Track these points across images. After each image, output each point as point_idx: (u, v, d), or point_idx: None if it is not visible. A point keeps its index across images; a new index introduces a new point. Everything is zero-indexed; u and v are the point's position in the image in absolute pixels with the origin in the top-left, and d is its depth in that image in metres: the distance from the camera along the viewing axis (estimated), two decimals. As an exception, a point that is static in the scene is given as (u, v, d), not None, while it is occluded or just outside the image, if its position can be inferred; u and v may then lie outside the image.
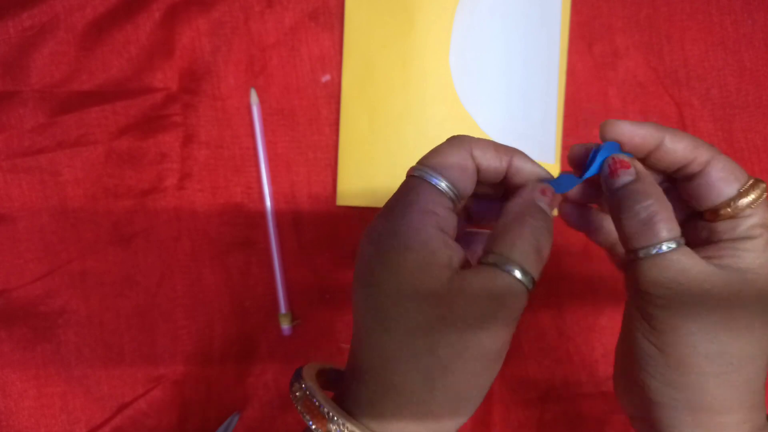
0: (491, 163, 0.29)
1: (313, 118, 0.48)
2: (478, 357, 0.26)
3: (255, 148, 0.48)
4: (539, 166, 0.31)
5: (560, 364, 0.48)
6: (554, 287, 0.48)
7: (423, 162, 0.29)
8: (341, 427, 0.27)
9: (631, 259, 0.28)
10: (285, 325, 0.47)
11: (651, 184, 0.29)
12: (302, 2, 0.48)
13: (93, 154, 0.47)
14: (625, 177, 0.29)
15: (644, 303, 0.28)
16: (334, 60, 0.48)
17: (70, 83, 0.47)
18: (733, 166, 0.29)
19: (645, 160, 0.31)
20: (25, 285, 0.46)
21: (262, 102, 0.48)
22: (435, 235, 0.27)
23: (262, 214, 0.48)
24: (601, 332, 0.48)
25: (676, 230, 0.28)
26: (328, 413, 0.27)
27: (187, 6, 0.48)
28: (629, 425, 0.33)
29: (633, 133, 0.30)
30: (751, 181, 0.29)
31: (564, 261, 0.48)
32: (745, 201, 0.29)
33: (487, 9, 0.47)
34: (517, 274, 0.26)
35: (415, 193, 0.28)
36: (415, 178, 0.29)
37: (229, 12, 0.48)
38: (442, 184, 0.28)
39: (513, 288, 0.26)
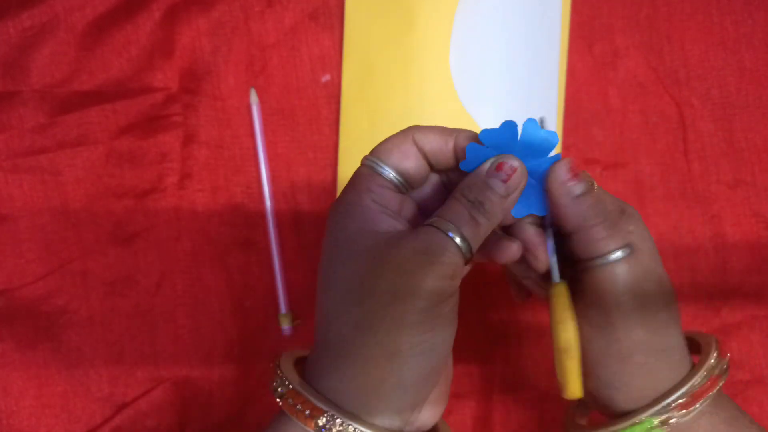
0: (434, 144, 0.31)
1: (313, 118, 0.48)
2: (410, 308, 0.27)
3: (255, 148, 0.48)
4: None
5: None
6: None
7: (371, 152, 0.32)
8: (284, 383, 0.29)
9: (591, 266, 0.30)
10: (285, 326, 0.47)
11: (602, 193, 0.31)
12: (302, 2, 0.48)
13: (93, 154, 0.47)
14: (581, 185, 0.30)
15: (596, 305, 0.31)
16: (334, 60, 0.48)
17: (70, 83, 0.47)
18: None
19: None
20: (26, 285, 0.46)
21: (262, 102, 0.48)
22: (372, 207, 0.30)
23: (262, 214, 0.48)
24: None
25: (626, 237, 0.30)
26: (278, 372, 0.30)
27: (187, 6, 0.48)
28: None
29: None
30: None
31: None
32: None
33: (487, 9, 0.47)
34: (452, 234, 0.28)
35: (357, 177, 0.31)
36: (361, 166, 0.32)
37: (229, 12, 0.48)
38: (381, 168, 0.31)
39: (446, 245, 0.28)
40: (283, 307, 0.47)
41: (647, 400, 0.31)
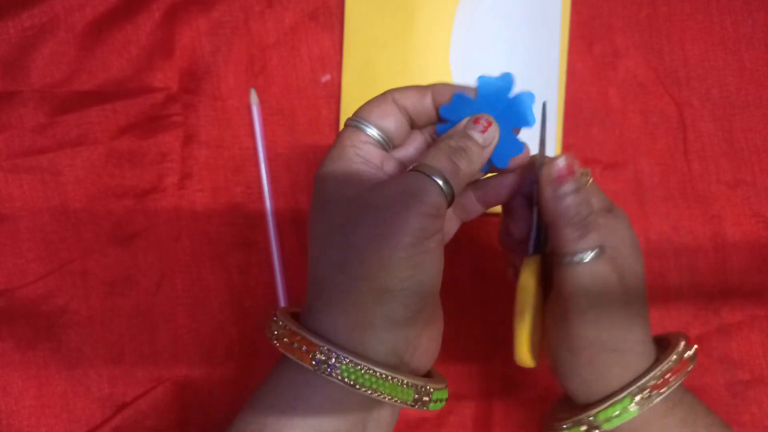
0: (412, 100, 0.33)
1: (313, 118, 0.48)
2: (393, 245, 0.28)
3: (255, 148, 0.48)
4: (460, 86, 0.33)
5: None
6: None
7: (354, 113, 0.33)
8: (279, 325, 0.30)
9: (558, 262, 0.31)
10: (285, 325, 0.47)
11: (585, 191, 0.32)
12: (302, 2, 0.48)
13: (93, 154, 0.47)
14: (570, 186, 0.31)
15: (563, 300, 0.31)
16: (334, 60, 0.48)
17: (70, 83, 0.47)
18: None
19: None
20: (26, 285, 0.46)
21: (262, 102, 0.48)
22: (354, 159, 0.31)
23: (262, 214, 0.48)
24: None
25: (600, 239, 0.31)
26: (274, 318, 0.31)
27: (187, 6, 0.48)
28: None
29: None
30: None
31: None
32: None
33: (488, 9, 0.47)
34: (432, 175, 0.30)
35: (341, 135, 0.33)
36: (344, 126, 0.33)
37: (229, 12, 0.48)
38: (365, 126, 0.32)
39: (426, 184, 0.29)
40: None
41: (597, 395, 0.32)
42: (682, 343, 0.33)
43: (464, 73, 0.48)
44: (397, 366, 0.30)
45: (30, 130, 0.46)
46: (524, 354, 0.34)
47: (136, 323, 0.47)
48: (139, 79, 0.47)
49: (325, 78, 0.48)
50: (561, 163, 0.31)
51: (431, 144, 0.34)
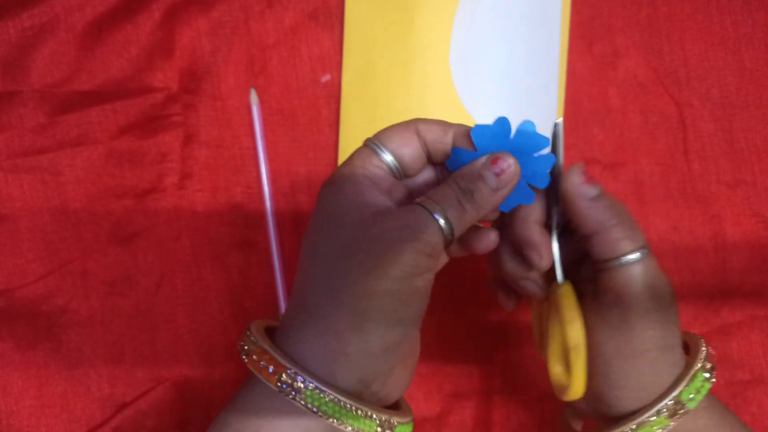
0: (434, 134, 0.32)
1: (313, 118, 0.48)
2: (380, 275, 0.28)
3: (255, 148, 0.48)
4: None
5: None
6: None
7: (374, 135, 0.33)
8: (251, 341, 0.30)
9: (608, 267, 0.31)
10: (285, 325, 0.47)
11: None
12: (302, 2, 0.48)
13: (93, 153, 0.47)
14: (595, 188, 0.31)
15: (613, 305, 0.31)
16: (334, 60, 0.48)
17: (70, 83, 0.47)
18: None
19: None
20: (26, 285, 0.46)
21: (262, 102, 0.48)
22: (363, 181, 0.31)
23: (262, 214, 0.48)
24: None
25: (643, 239, 0.31)
26: (247, 333, 0.31)
27: (187, 6, 0.48)
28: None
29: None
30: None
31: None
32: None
33: (488, 9, 0.47)
34: (437, 216, 0.29)
35: (354, 155, 0.32)
36: (362, 146, 0.33)
37: (229, 12, 0.48)
38: (380, 151, 0.32)
39: (427, 222, 0.29)
40: (283, 307, 0.47)
41: (653, 396, 0.31)
42: (704, 349, 0.33)
43: (464, 73, 0.48)
44: (363, 395, 0.29)
45: (30, 130, 0.46)
46: (581, 387, 0.32)
47: (136, 323, 0.47)
48: (139, 79, 0.47)
49: (325, 78, 0.48)
50: (580, 169, 0.31)
51: (441, 179, 0.34)
